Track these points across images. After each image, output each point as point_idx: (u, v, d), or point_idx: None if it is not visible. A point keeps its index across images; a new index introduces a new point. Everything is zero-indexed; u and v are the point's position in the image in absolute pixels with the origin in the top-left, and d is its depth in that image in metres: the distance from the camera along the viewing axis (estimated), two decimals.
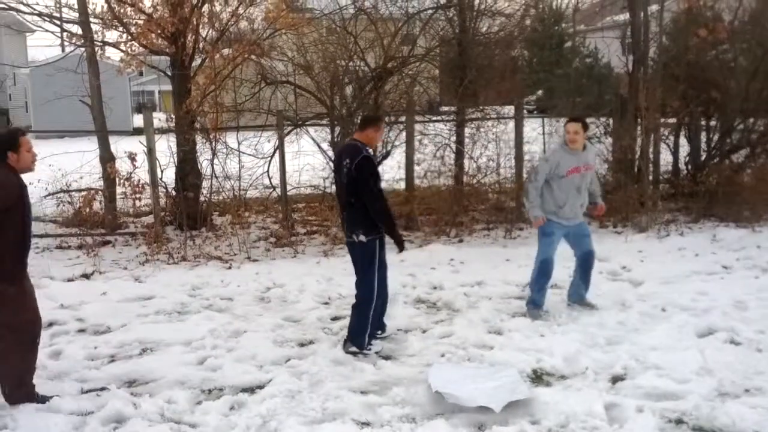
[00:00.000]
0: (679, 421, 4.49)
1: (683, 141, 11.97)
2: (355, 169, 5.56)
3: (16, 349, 4.74)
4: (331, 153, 11.02)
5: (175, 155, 10.13)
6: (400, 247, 5.95)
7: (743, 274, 7.85)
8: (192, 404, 4.87)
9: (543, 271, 6.61)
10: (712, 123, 11.68)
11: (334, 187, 10.93)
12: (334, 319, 6.64)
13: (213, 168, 10.00)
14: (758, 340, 5.76)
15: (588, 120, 11.49)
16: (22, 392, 4.81)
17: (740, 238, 9.35)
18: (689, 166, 11.83)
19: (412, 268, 8.29)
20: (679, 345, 5.70)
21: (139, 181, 9.78)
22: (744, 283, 7.36)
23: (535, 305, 6.62)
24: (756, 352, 5.55)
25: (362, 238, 5.67)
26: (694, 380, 5.02)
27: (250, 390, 5.08)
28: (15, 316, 4.69)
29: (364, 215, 5.65)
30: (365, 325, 5.75)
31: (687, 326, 6.13)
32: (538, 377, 5.25)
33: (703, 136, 11.82)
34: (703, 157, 11.72)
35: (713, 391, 4.85)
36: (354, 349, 5.73)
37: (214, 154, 9.95)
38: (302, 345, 5.98)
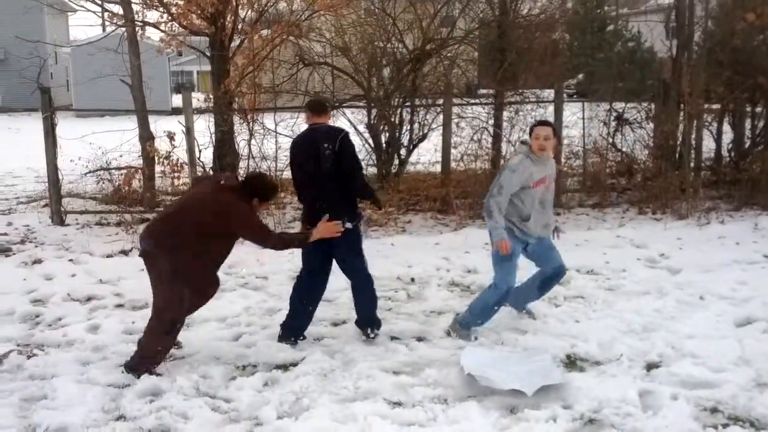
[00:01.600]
0: (714, 410, 4.43)
1: (727, 128, 11.72)
2: (339, 149, 5.33)
3: (160, 330, 5.04)
4: (367, 135, 11.03)
5: (213, 135, 10.21)
6: (379, 205, 6.09)
7: None
8: (226, 380, 4.94)
9: (501, 301, 5.72)
10: (758, 109, 11.41)
11: (370, 169, 11.04)
12: None
13: (250, 148, 10.06)
14: None
15: (630, 105, 11.46)
16: (148, 367, 5.02)
17: None
18: (732, 153, 11.59)
19: (446, 251, 8.27)
20: (717, 334, 5.61)
21: (177, 160, 9.87)
22: None
23: (469, 327, 5.74)
24: None
25: (349, 224, 5.40)
26: (731, 369, 4.94)
27: (284, 367, 5.13)
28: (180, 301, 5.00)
29: (349, 199, 5.48)
30: (376, 302, 5.75)
31: (725, 315, 6.03)
32: (571, 362, 5.22)
33: (748, 123, 11.56)
34: (747, 145, 11.47)
35: (751, 381, 4.77)
36: (377, 331, 5.71)
37: (251, 134, 10.01)
38: (335, 324, 6.01)
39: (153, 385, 4.77)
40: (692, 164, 10.91)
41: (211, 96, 10.46)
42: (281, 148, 10.57)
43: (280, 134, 10.60)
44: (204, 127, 10.13)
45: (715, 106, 11.56)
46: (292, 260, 7.97)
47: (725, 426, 4.23)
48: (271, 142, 10.38)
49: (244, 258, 8.00)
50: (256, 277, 7.40)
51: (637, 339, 5.55)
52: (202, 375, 4.96)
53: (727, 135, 11.71)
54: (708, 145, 11.59)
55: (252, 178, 5.33)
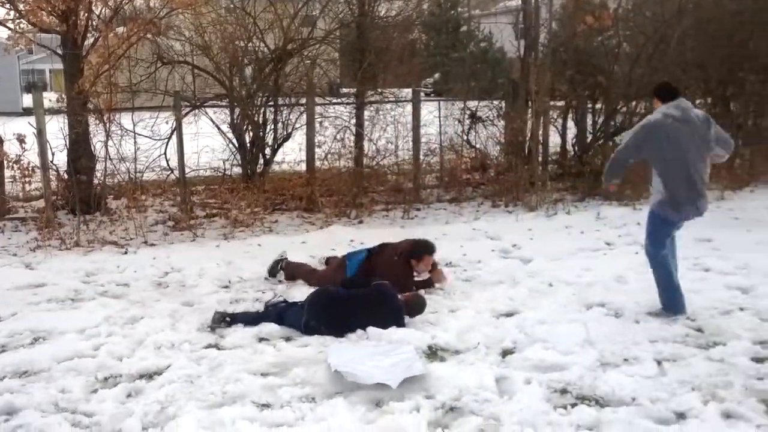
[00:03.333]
0: (564, 391, 4.73)
1: (570, 123, 12.53)
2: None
3: None
4: (231, 135, 10.93)
5: (67, 137, 9.79)
6: None
7: (624, 250, 8.29)
8: (87, 393, 4.78)
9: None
10: (598, 106, 12.26)
11: (234, 169, 10.96)
12: (234, 302, 6.63)
13: (107, 150, 9.71)
14: (636, 312, 6.12)
15: (482, 103, 12.00)
16: None
17: (622, 215, 9.86)
18: (576, 148, 12.39)
19: (313, 249, 8.35)
20: (565, 318, 6.01)
21: (29, 164, 9.42)
22: (625, 259, 7.74)
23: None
24: (634, 323, 5.91)
25: None
26: (577, 352, 5.29)
27: (148, 376, 5.03)
28: None
29: None
30: None
31: (572, 300, 6.47)
32: (433, 353, 5.43)
33: (589, 119, 12.39)
34: (589, 139, 12.30)
35: (595, 362, 5.12)
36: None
37: (108, 135, 9.66)
38: (201, 330, 5.95)
39: (7, 403, 4.54)
40: (540, 159, 11.59)
41: (64, 96, 10.02)
42: (140, 149, 10.31)
43: (138, 134, 10.32)
44: (57, 129, 9.69)
45: (560, 104, 12.34)
46: (155, 264, 7.83)
47: (573, 405, 4.53)
48: (129, 143, 10.10)
49: (103, 266, 7.78)
50: (116, 285, 7.17)
51: (493, 327, 5.84)
52: (60, 389, 4.77)
53: (571, 130, 12.52)
54: (554, 140, 12.34)
55: None
